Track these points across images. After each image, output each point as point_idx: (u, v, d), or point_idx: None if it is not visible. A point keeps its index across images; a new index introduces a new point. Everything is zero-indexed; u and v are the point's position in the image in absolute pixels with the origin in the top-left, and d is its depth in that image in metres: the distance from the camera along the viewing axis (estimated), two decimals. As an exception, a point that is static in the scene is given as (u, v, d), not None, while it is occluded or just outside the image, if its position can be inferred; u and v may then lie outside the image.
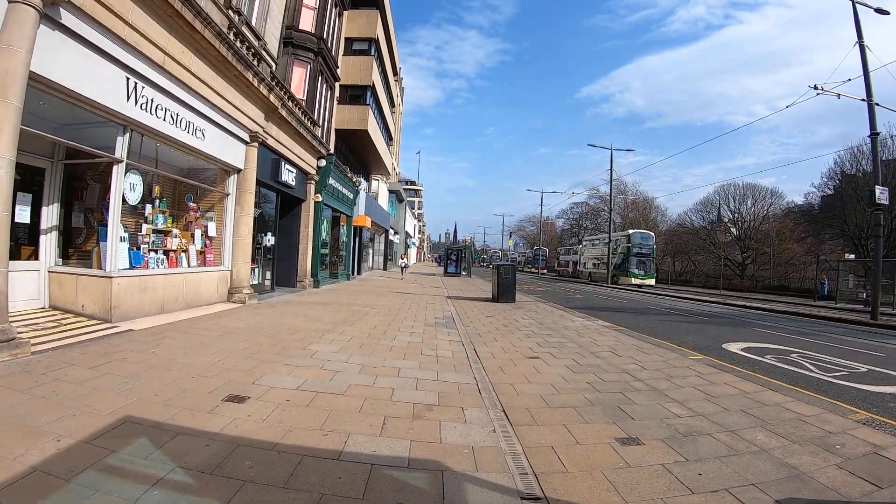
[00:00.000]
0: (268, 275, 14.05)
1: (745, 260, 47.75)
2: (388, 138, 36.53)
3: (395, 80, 44.32)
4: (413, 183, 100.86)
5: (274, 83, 11.92)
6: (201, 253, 10.55)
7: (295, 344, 6.83)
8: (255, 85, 10.83)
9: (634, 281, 37.87)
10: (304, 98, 17.16)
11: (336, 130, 23.72)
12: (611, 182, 36.68)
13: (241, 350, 6.25)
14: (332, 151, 17.80)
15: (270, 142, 12.57)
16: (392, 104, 39.13)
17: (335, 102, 22.34)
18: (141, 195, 8.40)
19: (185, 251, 9.95)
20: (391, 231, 45.94)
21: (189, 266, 9.93)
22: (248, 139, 11.35)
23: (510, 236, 60.13)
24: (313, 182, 16.45)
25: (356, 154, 29.24)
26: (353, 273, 24.50)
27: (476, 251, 77.09)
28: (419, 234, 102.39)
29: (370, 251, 38.12)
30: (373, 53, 26.49)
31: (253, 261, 13.00)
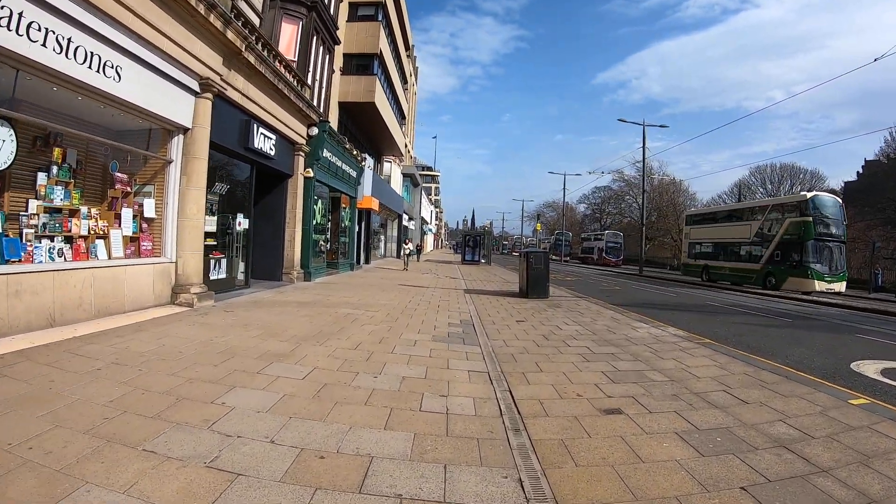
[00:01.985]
0: (241, 266, 11.34)
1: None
2: (401, 117, 33.60)
3: (408, 57, 41.28)
4: (430, 169, 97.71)
5: (237, 18, 9.08)
6: (133, 240, 7.86)
7: (203, 391, 4.02)
8: (203, 13, 7.98)
9: (818, 286, 21.00)
10: (296, 59, 14.38)
11: (340, 104, 20.96)
12: (643, 160, 33.11)
13: (98, 409, 3.48)
14: (326, 118, 14.92)
15: (234, 96, 9.77)
16: (404, 81, 36.14)
17: (336, 70, 19.49)
18: (13, 156, 5.66)
19: (105, 237, 7.24)
20: (405, 216, 43.10)
21: (111, 257, 7.24)
22: (197, 88, 8.55)
23: (537, 218, 56.01)
24: (302, 154, 13.64)
25: (365, 132, 26.44)
26: (358, 262, 21.76)
27: (494, 238, 73.57)
28: (436, 220, 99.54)
29: (381, 238, 35.39)
30: (380, 19, 23.55)
31: (219, 249, 10.34)
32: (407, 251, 25.05)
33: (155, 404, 3.63)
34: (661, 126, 32.17)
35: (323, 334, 6.51)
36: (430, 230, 79.70)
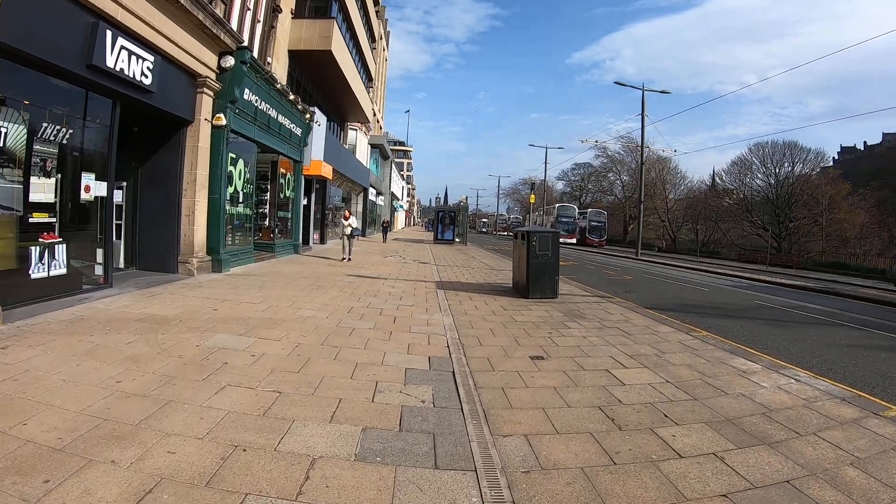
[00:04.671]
0: (98, 255, 7.39)
1: (782, 231, 40.87)
2: (367, 78, 29.13)
3: (377, 15, 36.62)
4: (402, 143, 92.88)
5: None
6: None
7: None
8: None
9: None
10: (217, -26, 10.17)
11: (292, 54, 16.57)
12: (643, 127, 29.41)
13: None
14: (245, 44, 10.72)
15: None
16: (372, 38, 31.59)
17: (285, 11, 15.14)
18: None
19: None
20: (372, 190, 38.84)
21: None
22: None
23: (532, 188, 51.25)
24: (210, 93, 9.56)
25: (323, 91, 22.15)
26: (306, 243, 17.74)
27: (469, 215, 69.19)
28: (408, 197, 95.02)
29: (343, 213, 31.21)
30: (340, -48, 19.13)
31: (55, 230, 6.43)
32: (348, 230, 15.01)
33: None
34: (661, 91, 28.59)
35: (94, 439, 2.70)
36: (402, 207, 75.34)
